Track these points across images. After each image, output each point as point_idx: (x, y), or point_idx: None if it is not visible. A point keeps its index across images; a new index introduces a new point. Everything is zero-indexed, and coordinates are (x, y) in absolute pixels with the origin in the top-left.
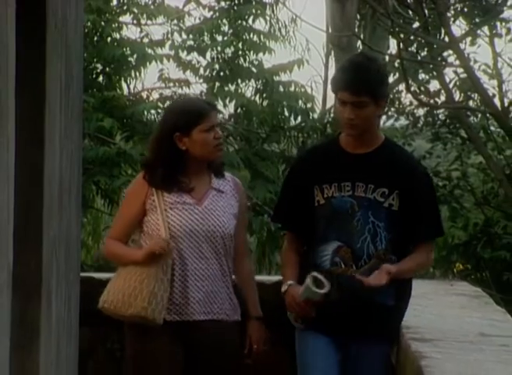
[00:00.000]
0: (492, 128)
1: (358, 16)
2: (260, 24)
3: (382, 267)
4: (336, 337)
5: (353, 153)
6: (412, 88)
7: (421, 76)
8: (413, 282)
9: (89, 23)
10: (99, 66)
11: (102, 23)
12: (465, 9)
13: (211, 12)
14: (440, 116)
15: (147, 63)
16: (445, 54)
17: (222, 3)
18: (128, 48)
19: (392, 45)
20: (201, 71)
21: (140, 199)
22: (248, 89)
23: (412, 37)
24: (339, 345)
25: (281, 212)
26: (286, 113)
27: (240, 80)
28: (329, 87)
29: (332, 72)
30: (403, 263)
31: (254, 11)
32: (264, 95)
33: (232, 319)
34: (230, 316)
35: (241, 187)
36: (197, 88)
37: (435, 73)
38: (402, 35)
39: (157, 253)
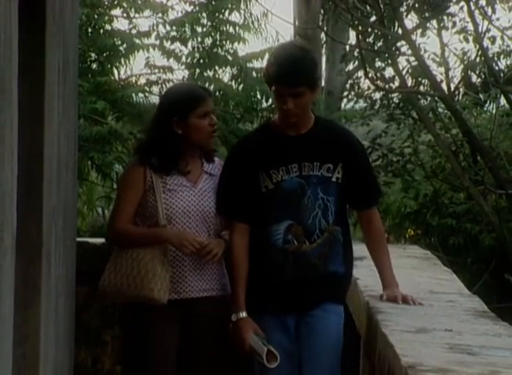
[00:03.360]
0: (439, 110)
1: (322, 11)
2: (235, 17)
3: (394, 294)
4: (294, 312)
5: (292, 135)
6: (370, 75)
7: (378, 63)
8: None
9: (83, 16)
10: (93, 55)
11: (95, 16)
12: (416, 5)
13: (192, 7)
14: (394, 99)
15: (135, 52)
16: (398, 44)
17: None
18: (118, 39)
19: (352, 36)
20: (183, 59)
21: (141, 181)
22: (225, 75)
23: (369, 30)
24: (297, 319)
25: (226, 204)
26: (259, 96)
27: (217, 67)
28: None
29: None
30: (387, 271)
31: (230, 5)
32: (239, 80)
33: (227, 294)
34: (226, 290)
35: None
36: (180, 74)
37: (390, 61)
38: (360, 27)
39: (187, 252)
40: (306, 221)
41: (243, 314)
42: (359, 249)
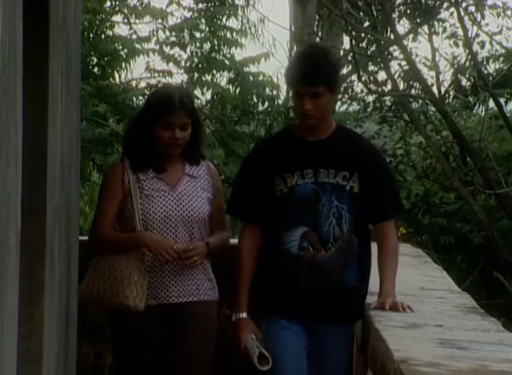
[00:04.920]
0: (430, 112)
1: (317, 17)
2: (233, 23)
3: (382, 302)
4: (304, 321)
5: (310, 141)
6: (363, 78)
7: (371, 67)
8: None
9: (85, 22)
10: (94, 59)
11: (97, 22)
12: (408, 11)
13: (191, 13)
14: (387, 102)
15: (136, 56)
16: (391, 49)
17: (200, 5)
18: (119, 44)
19: (346, 41)
20: (182, 63)
21: (120, 185)
22: (222, 79)
23: (363, 35)
24: (307, 329)
25: (239, 205)
26: (255, 99)
27: (215, 71)
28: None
29: None
30: (388, 281)
31: (227, 11)
32: (236, 84)
33: (211, 299)
34: (210, 295)
35: (214, 170)
36: (179, 78)
37: (382, 65)
38: (354, 33)
39: (162, 261)
40: (322, 229)
41: (243, 315)
42: None
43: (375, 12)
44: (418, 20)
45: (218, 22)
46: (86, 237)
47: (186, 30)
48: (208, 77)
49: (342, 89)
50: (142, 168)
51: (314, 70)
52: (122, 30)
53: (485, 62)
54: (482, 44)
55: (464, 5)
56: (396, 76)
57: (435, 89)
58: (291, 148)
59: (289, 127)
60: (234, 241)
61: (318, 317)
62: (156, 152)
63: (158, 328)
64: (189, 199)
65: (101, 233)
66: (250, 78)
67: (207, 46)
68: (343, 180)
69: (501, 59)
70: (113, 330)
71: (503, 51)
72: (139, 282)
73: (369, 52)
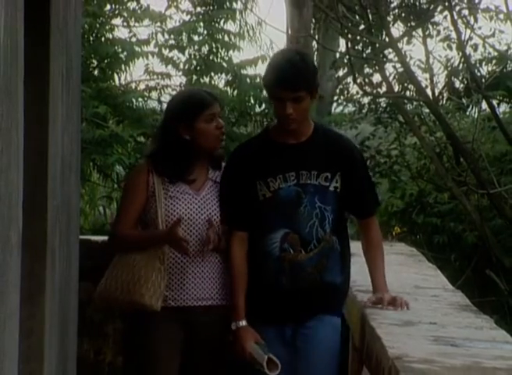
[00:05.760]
0: (424, 114)
1: (313, 20)
2: (231, 26)
3: (379, 297)
4: (290, 321)
5: (290, 143)
6: (358, 80)
7: (366, 70)
8: (358, 243)
9: (86, 25)
10: (95, 62)
11: (97, 25)
12: (402, 14)
13: (189, 16)
14: (382, 104)
15: (135, 59)
16: (386, 52)
17: (199, 8)
18: (119, 46)
19: (342, 44)
20: (181, 66)
21: (144, 187)
22: (220, 81)
23: (358, 38)
24: (297, 327)
25: (225, 212)
26: (253, 101)
27: (213, 74)
28: None
29: None
30: (379, 276)
31: (225, 15)
32: (234, 86)
33: (230, 303)
34: (229, 300)
35: None
36: (177, 80)
37: (377, 68)
38: (350, 36)
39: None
40: (303, 230)
41: (243, 323)
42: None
43: (370, 16)
44: (413, 23)
45: (216, 25)
46: (86, 237)
47: (184, 33)
48: (206, 79)
49: (338, 91)
50: (170, 179)
51: (295, 76)
52: (121, 33)
53: (478, 65)
54: (475, 47)
55: (457, 8)
56: (390, 79)
57: (429, 91)
58: (271, 152)
59: (267, 131)
60: None
61: (303, 316)
62: (188, 161)
63: (176, 329)
64: (212, 204)
65: (121, 232)
66: (248, 80)
67: (205, 49)
68: (325, 181)
69: (494, 62)
70: (131, 331)
71: (496, 53)
72: (156, 281)
73: (364, 55)
